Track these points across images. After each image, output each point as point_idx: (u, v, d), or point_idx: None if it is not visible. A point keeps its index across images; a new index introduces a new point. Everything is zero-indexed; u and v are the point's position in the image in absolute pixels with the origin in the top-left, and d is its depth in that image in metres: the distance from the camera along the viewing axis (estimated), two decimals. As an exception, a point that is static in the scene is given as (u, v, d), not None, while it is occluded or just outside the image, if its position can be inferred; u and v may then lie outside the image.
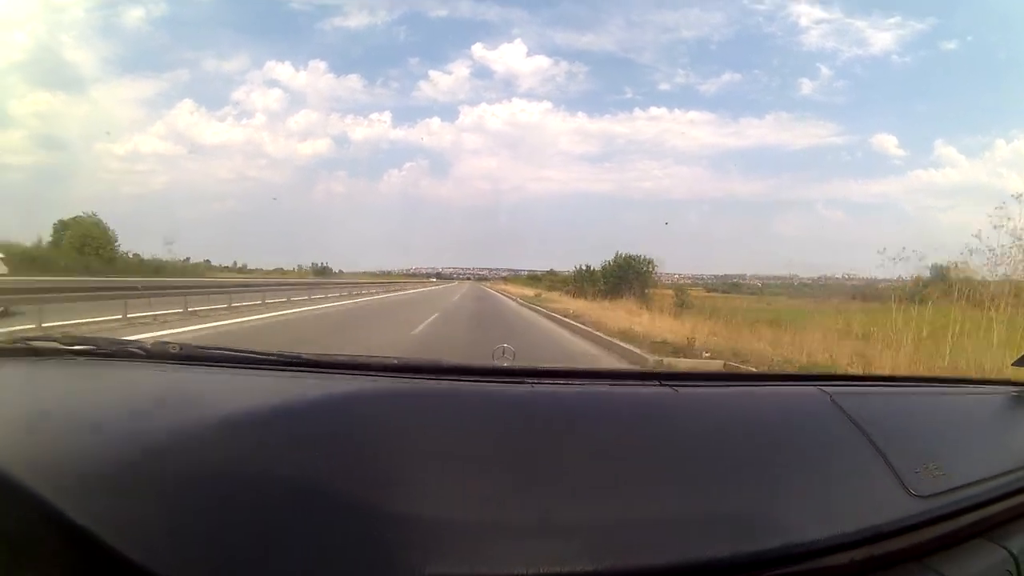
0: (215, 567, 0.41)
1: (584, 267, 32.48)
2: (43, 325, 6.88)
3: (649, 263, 27.62)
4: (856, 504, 0.63)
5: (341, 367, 0.78)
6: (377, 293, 26.26)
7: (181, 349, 0.86)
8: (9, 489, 0.43)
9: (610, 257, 29.05)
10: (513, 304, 22.48)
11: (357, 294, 23.07)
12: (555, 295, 27.20)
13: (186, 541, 0.42)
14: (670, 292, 23.99)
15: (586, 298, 22.31)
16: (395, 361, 0.84)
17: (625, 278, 26.37)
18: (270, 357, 0.82)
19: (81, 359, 0.86)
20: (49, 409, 0.65)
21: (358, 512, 0.45)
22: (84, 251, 25.26)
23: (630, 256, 28.08)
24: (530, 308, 19.09)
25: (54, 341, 0.92)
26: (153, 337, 6.34)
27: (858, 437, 0.72)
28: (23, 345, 0.92)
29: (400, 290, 32.54)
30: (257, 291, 14.01)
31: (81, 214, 29.02)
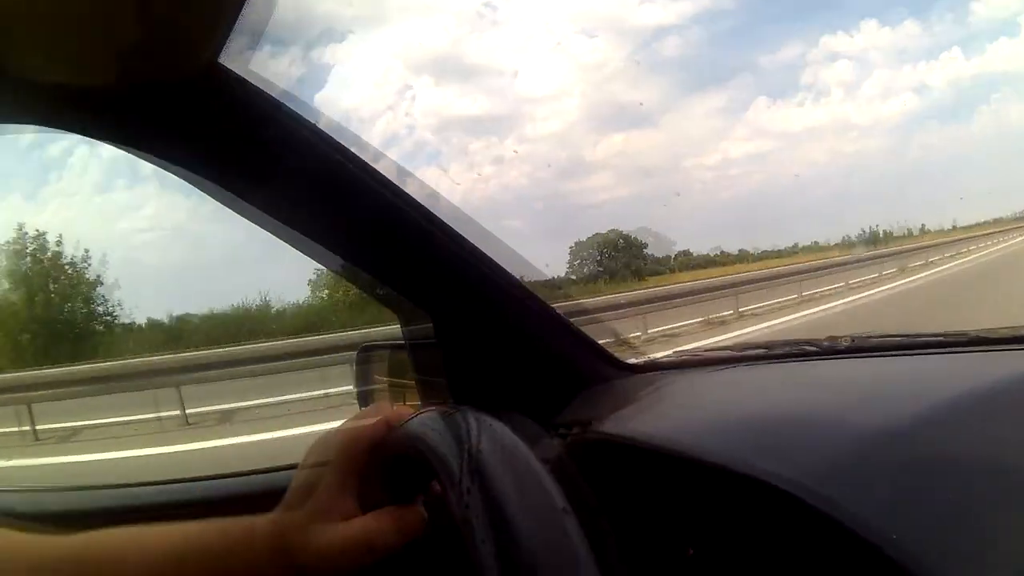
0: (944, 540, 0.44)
1: None
2: (648, 332, 7.42)
3: None
4: None
5: (1004, 342, 0.78)
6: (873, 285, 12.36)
7: (853, 341, 0.89)
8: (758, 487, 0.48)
9: None
10: None
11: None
12: None
13: (928, 524, 0.45)
14: None
15: None
16: None
17: None
18: (935, 339, 0.84)
19: (760, 363, 0.90)
20: (765, 409, 0.69)
21: None
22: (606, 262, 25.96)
23: None
24: None
25: (728, 349, 1.00)
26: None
27: None
28: (691, 356, 0.98)
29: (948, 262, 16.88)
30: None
31: (599, 231, 29.10)
